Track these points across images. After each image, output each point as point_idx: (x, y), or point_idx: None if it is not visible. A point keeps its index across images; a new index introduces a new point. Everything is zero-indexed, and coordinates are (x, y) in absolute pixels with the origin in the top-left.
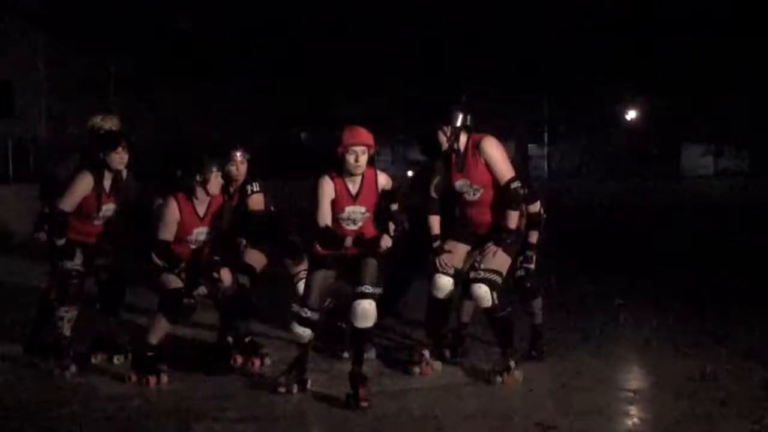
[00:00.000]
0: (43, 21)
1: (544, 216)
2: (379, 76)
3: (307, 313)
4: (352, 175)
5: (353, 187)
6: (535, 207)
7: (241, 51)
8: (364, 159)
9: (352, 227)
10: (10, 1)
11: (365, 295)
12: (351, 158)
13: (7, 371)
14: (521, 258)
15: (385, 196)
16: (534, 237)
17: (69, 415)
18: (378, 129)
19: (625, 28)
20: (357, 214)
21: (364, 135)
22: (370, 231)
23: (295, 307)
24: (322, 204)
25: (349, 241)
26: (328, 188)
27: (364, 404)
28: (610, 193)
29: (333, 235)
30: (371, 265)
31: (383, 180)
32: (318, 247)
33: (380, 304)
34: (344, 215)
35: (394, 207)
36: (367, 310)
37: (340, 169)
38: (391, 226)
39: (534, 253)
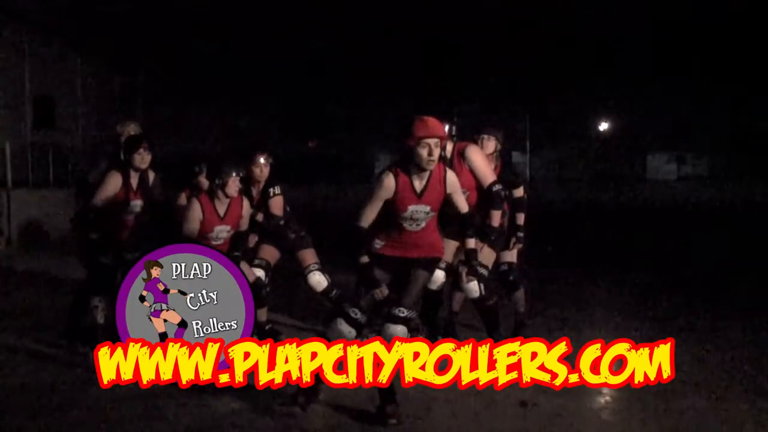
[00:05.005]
0: (80, 44)
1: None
2: (377, 90)
3: (357, 314)
4: (422, 170)
5: (419, 183)
6: (519, 191)
7: (257, 70)
8: (437, 152)
9: (414, 228)
10: (53, 28)
11: (398, 319)
12: (424, 151)
13: (47, 355)
14: (513, 239)
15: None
16: (521, 218)
17: (98, 393)
18: (377, 135)
19: (598, 51)
20: (420, 213)
21: (438, 126)
22: (433, 235)
23: (346, 306)
24: (372, 202)
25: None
26: (387, 186)
27: (392, 421)
28: (585, 196)
29: (357, 241)
30: (417, 284)
31: (452, 178)
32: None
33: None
34: (406, 214)
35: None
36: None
37: (405, 164)
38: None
39: (522, 233)
